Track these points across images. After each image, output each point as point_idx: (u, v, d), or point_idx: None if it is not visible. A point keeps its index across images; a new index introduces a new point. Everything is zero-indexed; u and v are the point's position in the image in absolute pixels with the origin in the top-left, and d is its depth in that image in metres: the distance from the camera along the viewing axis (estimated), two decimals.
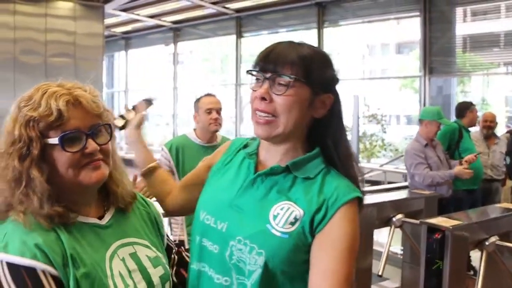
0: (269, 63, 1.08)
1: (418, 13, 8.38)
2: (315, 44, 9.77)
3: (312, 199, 1.08)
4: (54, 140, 0.99)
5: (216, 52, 17.10)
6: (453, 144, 4.60)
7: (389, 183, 6.27)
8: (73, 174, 1.02)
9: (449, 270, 2.22)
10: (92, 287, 0.99)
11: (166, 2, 10.84)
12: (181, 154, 2.90)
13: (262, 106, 1.08)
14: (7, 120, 1.03)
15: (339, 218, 1.05)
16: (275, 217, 1.08)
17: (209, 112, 2.94)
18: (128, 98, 15.69)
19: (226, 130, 15.76)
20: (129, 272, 1.07)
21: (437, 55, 8.15)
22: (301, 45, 1.11)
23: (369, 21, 10.05)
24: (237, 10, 11.26)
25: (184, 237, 2.89)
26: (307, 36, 10.37)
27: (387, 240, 2.96)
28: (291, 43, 1.13)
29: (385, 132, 8.97)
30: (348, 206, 1.07)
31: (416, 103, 8.54)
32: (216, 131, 3.01)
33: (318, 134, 1.15)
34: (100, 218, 1.12)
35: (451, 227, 2.25)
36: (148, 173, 1.45)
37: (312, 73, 1.07)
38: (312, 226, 1.06)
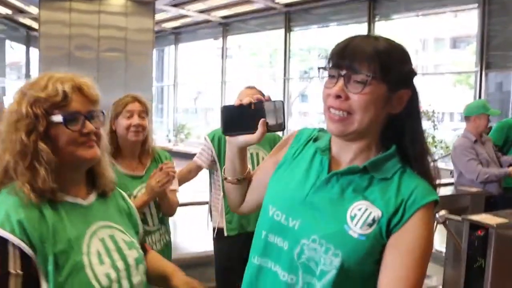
0: (344, 59, 1.02)
1: (476, 5, 8.02)
2: None
3: (389, 200, 1.03)
4: (58, 118, 1.10)
5: (264, 46, 17.12)
6: (510, 140, 4.37)
7: None
8: (72, 150, 1.13)
9: (492, 269, 2.09)
10: (67, 263, 1.06)
11: None
12: (222, 144, 2.91)
13: (336, 104, 1.02)
14: (9, 105, 1.14)
15: (415, 221, 1.00)
16: (352, 218, 1.03)
17: None
18: (177, 92, 15.98)
19: None
20: (108, 251, 1.16)
21: (496, 49, 7.76)
22: (377, 39, 1.04)
23: (423, 14, 9.74)
24: (286, 5, 11.18)
25: (223, 225, 2.89)
26: (357, 31, 10.17)
27: None
28: (367, 37, 1.06)
29: (436, 129, 8.67)
30: (426, 209, 1.01)
31: (471, 100, 8.21)
32: None
33: (394, 131, 1.08)
34: (84, 199, 1.20)
35: (495, 225, 2.11)
36: (243, 180, 1.29)
37: (390, 70, 1.01)
38: (388, 228, 1.02)
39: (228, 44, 13.89)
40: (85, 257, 1.10)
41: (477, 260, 2.15)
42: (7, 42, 14.23)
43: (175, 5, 11.57)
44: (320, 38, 13.89)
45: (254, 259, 1.15)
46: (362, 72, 0.99)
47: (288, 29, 11.66)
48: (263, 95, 3.27)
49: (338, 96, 1.02)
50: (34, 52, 14.06)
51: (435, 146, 8.50)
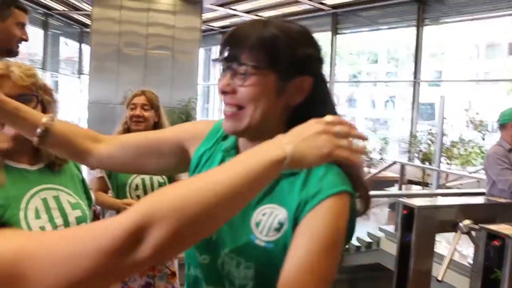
0: (230, 49, 0.95)
1: None
2: (413, 43, 9.46)
3: (295, 195, 0.94)
4: None
5: None
6: None
7: None
8: None
9: (508, 281, 1.96)
10: (4, 216, 1.21)
11: None
12: None
13: (227, 99, 0.96)
14: None
15: (323, 210, 0.89)
16: (257, 224, 0.95)
17: None
18: None
19: None
20: (48, 209, 1.29)
21: None
22: (266, 24, 0.95)
23: (476, 18, 9.37)
24: (334, 6, 11.05)
25: None
26: (406, 34, 9.93)
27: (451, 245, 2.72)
28: (254, 22, 0.97)
29: (483, 139, 8.32)
30: (335, 199, 0.90)
31: None
32: None
33: (302, 122, 0.94)
34: (31, 166, 1.35)
35: None
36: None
37: (277, 57, 0.92)
38: (296, 224, 0.92)
39: None
40: (22, 212, 1.25)
41: (493, 271, 2.03)
42: (62, 38, 14.81)
43: (222, 5, 11.67)
44: (370, 42, 13.65)
45: (190, 270, 1.09)
46: (245, 63, 0.92)
47: (334, 32, 11.51)
48: None
49: (224, 91, 0.95)
50: (86, 48, 14.55)
51: (482, 157, 8.18)
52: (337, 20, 11.43)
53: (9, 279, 0.59)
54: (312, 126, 0.81)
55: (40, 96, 1.33)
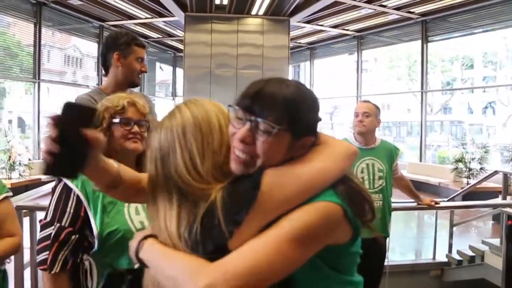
0: (255, 105, 1.02)
1: None
2: None
3: None
4: (116, 120, 1.65)
5: (403, 58, 16.58)
6: None
7: None
8: (121, 142, 1.64)
9: None
10: (113, 209, 1.59)
11: (349, 11, 10.88)
12: None
13: (241, 147, 1.03)
14: None
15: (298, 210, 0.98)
16: None
17: (356, 115, 3.27)
18: None
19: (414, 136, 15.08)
20: (144, 208, 1.59)
21: None
22: (289, 87, 1.03)
23: None
24: (423, 14, 10.79)
25: None
26: (506, 36, 9.41)
27: None
28: (279, 84, 1.04)
29: None
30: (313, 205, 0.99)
31: None
32: (360, 132, 3.23)
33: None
34: None
35: None
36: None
37: (296, 121, 1.01)
38: None
39: (364, 57, 13.74)
40: (126, 209, 1.61)
41: None
42: (157, 63, 15.81)
43: (309, 21, 11.81)
44: (463, 47, 13.06)
45: None
46: (270, 122, 0.99)
47: (425, 40, 11.20)
48: (378, 108, 3.30)
49: (243, 141, 1.02)
50: (179, 72, 15.39)
51: None
52: (427, 28, 11.14)
53: None
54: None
55: (149, 122, 1.70)
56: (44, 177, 7.44)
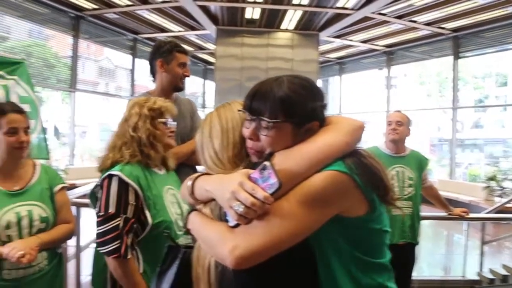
0: (253, 105, 1.17)
1: None
2: None
3: None
4: (162, 121, 2.02)
5: (433, 74, 16.41)
6: None
7: None
8: (163, 139, 2.03)
9: None
10: (158, 202, 1.91)
11: (379, 26, 10.89)
12: None
13: (250, 145, 1.20)
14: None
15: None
16: None
17: (389, 123, 3.35)
18: None
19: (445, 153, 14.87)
20: (175, 200, 2.00)
21: None
22: (281, 83, 1.16)
23: None
24: (454, 30, 10.72)
25: None
26: None
27: None
28: (272, 82, 1.17)
29: None
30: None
31: None
32: (393, 140, 3.30)
33: None
34: (160, 171, 2.09)
35: None
36: None
37: (291, 113, 1.13)
38: None
39: (394, 72, 13.67)
40: (164, 201, 1.93)
41: None
42: None
43: (339, 36, 11.86)
44: (496, 63, 12.88)
45: None
46: (266, 119, 1.13)
47: (456, 56, 11.11)
48: (409, 119, 3.34)
49: (250, 138, 1.19)
50: (209, 84, 15.70)
51: None
52: (459, 44, 11.05)
53: None
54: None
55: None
56: (78, 182, 7.67)
